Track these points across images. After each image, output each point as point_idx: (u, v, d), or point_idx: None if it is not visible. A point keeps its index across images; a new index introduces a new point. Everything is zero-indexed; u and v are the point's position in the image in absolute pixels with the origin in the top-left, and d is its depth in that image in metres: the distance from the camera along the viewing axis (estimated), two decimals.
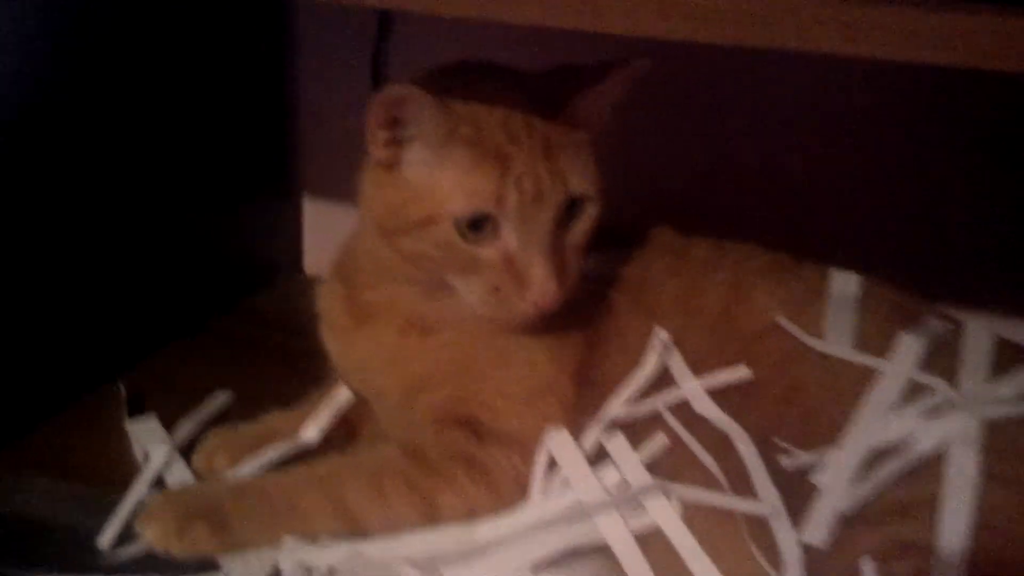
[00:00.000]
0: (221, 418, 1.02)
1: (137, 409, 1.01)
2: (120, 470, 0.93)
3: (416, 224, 0.81)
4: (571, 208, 0.83)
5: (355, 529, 0.83)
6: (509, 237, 0.80)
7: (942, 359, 0.81)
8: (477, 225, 0.80)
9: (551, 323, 0.86)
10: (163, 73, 1.11)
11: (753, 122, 1.20)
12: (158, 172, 1.13)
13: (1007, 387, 0.77)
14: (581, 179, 0.82)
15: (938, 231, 1.16)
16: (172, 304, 1.18)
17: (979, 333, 0.82)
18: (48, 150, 0.98)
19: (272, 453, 0.93)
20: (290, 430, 0.97)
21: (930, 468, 0.73)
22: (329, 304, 0.96)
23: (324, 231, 1.42)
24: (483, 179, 0.79)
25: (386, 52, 1.26)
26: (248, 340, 1.22)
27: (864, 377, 0.80)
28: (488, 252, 0.81)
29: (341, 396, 0.98)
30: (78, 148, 1.02)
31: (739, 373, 0.83)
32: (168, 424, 0.99)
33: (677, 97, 1.19)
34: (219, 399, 1.04)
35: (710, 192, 1.21)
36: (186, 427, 0.98)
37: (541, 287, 0.80)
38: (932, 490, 0.72)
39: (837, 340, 0.83)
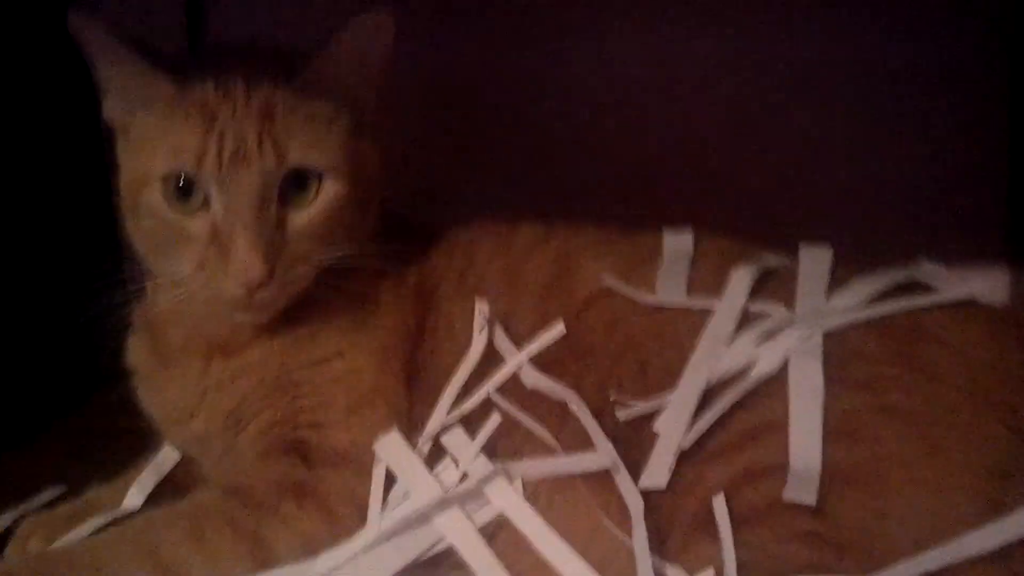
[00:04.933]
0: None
1: None
2: None
3: (134, 190, 0.77)
4: (299, 183, 0.76)
5: None
6: (214, 204, 0.74)
7: (781, 288, 0.75)
8: (186, 191, 0.74)
9: (366, 324, 0.80)
10: None
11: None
12: None
13: (842, 298, 0.72)
14: (309, 149, 0.76)
15: None
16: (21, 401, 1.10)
17: (814, 255, 0.77)
18: None
19: (92, 523, 0.84)
20: (115, 502, 0.87)
21: (775, 390, 0.67)
22: (136, 355, 0.88)
23: None
24: (185, 134, 0.74)
25: None
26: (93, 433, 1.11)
27: (699, 322, 0.74)
28: (197, 223, 0.75)
29: (165, 456, 0.90)
30: None
31: (555, 331, 0.77)
32: None
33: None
34: (47, 492, 0.94)
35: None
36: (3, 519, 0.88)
37: (242, 261, 0.73)
38: (780, 412, 0.65)
39: (669, 293, 0.77)
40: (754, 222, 0.85)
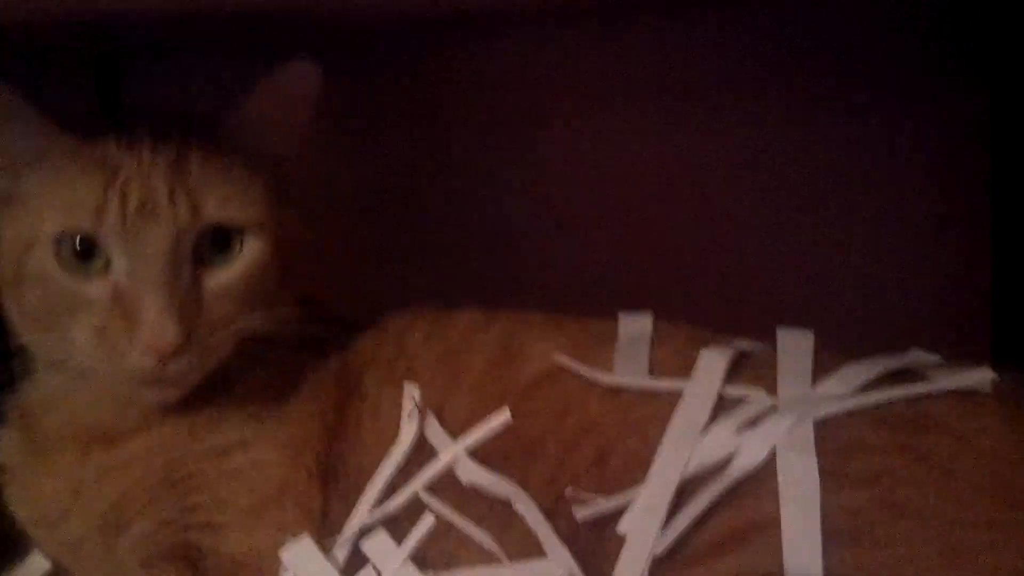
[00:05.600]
0: None
1: None
2: None
3: (18, 255, 0.65)
4: (217, 242, 0.67)
5: None
6: (118, 265, 0.64)
7: (759, 374, 0.66)
8: (85, 252, 0.64)
9: (275, 409, 0.68)
10: None
11: None
12: None
13: (830, 385, 0.62)
14: (228, 204, 0.67)
15: None
16: None
17: (794, 338, 0.67)
18: None
19: None
20: None
21: (761, 485, 0.57)
22: (6, 449, 0.74)
23: None
24: (82, 189, 0.64)
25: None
26: None
27: (666, 407, 0.64)
28: (96, 287, 0.64)
29: (32, 565, 0.75)
30: None
31: (499, 419, 0.67)
32: None
33: None
34: None
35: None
36: None
37: (153, 326, 0.62)
38: (769, 509, 0.55)
39: (629, 373, 0.67)
40: (726, 317, 0.76)
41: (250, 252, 0.67)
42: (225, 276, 0.67)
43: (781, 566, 0.53)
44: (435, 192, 1.08)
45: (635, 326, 0.73)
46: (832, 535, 0.53)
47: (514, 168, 1.06)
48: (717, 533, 0.56)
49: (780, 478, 0.56)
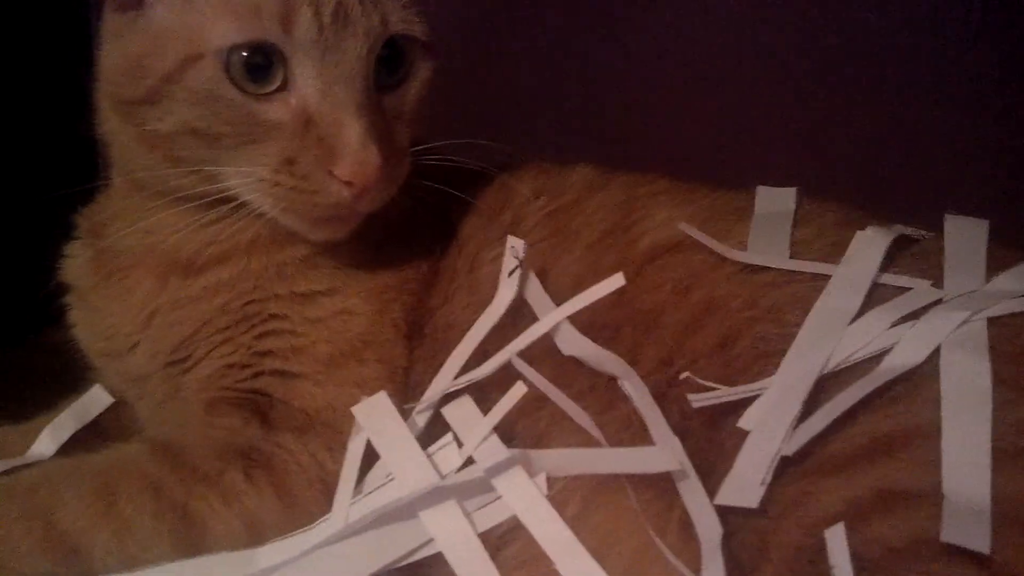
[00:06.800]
0: None
1: None
2: None
3: (167, 77, 0.56)
4: (392, 62, 0.59)
5: (72, 562, 0.55)
6: (306, 83, 0.56)
7: (921, 263, 0.56)
8: (259, 68, 0.56)
9: (369, 256, 0.62)
10: None
11: None
12: None
13: (1008, 279, 0.53)
14: (407, 15, 0.59)
15: None
16: None
17: (964, 226, 0.57)
18: None
19: None
20: (22, 449, 0.68)
21: (920, 387, 0.47)
22: (75, 267, 0.69)
23: None
24: None
25: None
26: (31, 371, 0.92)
27: (808, 292, 0.55)
28: (277, 109, 0.56)
29: (92, 397, 0.71)
30: None
31: (610, 284, 0.58)
32: None
33: None
34: None
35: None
36: None
37: (357, 154, 0.55)
38: (927, 417, 0.46)
39: (767, 251, 0.58)
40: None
41: (422, 73, 0.61)
42: (403, 98, 0.60)
43: (935, 484, 0.44)
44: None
45: (775, 201, 0.64)
46: (1001, 455, 0.44)
47: None
48: (860, 439, 0.48)
49: (944, 382, 0.47)
